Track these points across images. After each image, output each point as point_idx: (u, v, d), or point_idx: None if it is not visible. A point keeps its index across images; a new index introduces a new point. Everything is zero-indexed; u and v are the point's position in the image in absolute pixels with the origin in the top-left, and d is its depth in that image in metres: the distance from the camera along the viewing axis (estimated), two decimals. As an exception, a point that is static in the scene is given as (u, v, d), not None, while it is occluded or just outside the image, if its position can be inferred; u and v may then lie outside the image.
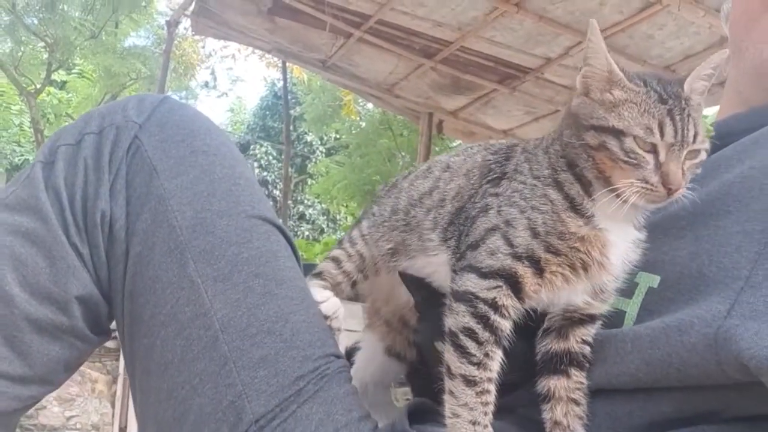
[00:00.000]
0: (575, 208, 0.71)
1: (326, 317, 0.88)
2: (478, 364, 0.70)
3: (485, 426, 0.69)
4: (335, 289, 0.97)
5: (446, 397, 0.72)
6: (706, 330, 0.60)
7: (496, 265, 0.72)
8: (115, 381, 3.87)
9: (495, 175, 0.78)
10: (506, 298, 0.71)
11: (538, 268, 0.71)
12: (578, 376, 0.73)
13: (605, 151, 0.68)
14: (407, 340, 1.00)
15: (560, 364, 0.74)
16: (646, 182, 0.67)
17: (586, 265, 0.71)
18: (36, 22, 9.21)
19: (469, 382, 0.70)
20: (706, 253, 0.66)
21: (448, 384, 0.72)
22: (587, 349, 0.74)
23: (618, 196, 0.68)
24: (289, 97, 10.83)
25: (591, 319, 0.75)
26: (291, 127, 11.17)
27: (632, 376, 0.68)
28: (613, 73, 0.71)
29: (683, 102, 0.69)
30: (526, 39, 4.08)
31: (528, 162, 0.76)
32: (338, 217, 15.25)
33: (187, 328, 0.77)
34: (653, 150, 0.67)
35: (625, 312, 0.74)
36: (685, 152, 0.68)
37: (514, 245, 0.72)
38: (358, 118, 9.86)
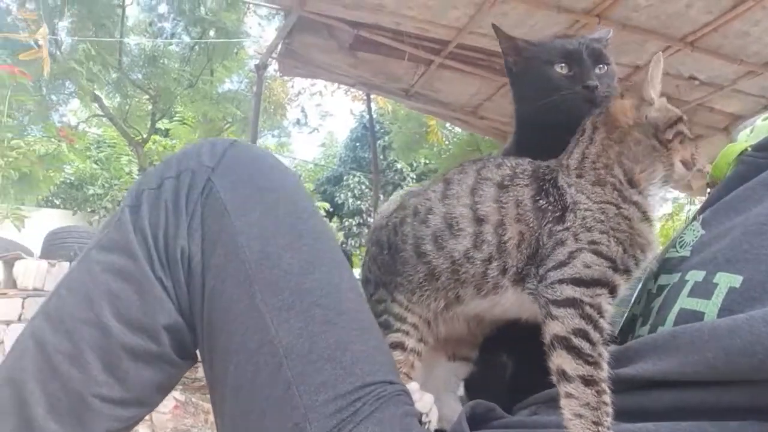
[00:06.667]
0: (645, 215, 0.84)
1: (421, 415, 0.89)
2: (595, 364, 0.73)
3: (608, 428, 0.69)
4: (410, 374, 0.97)
5: (564, 401, 0.72)
6: None
7: (595, 275, 0.79)
8: (223, 413, 3.99)
9: (557, 213, 0.85)
10: (607, 305, 0.78)
11: (630, 278, 0.81)
12: None
13: (679, 136, 0.86)
14: (470, 345, 1.03)
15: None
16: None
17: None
18: (140, 76, 9.92)
19: (588, 382, 0.72)
20: None
21: (565, 388, 0.73)
22: None
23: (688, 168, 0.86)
24: (376, 127, 11.01)
25: None
26: (380, 156, 11.35)
27: (708, 366, 0.65)
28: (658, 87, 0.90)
29: None
30: (611, 50, 3.95)
31: (582, 193, 0.85)
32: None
33: (255, 355, 0.81)
34: None
35: (704, 313, 0.72)
36: None
37: (612, 258, 0.80)
38: (446, 142, 9.87)
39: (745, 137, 0.90)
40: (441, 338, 1.01)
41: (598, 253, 0.79)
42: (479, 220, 0.88)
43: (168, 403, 3.96)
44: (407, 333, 0.97)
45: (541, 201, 0.86)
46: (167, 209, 0.89)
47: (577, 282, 0.78)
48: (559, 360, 0.75)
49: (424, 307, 0.95)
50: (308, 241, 0.88)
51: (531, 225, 0.85)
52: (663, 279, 0.86)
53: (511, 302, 0.87)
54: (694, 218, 0.88)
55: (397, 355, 0.95)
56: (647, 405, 0.71)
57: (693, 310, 0.73)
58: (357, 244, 14.32)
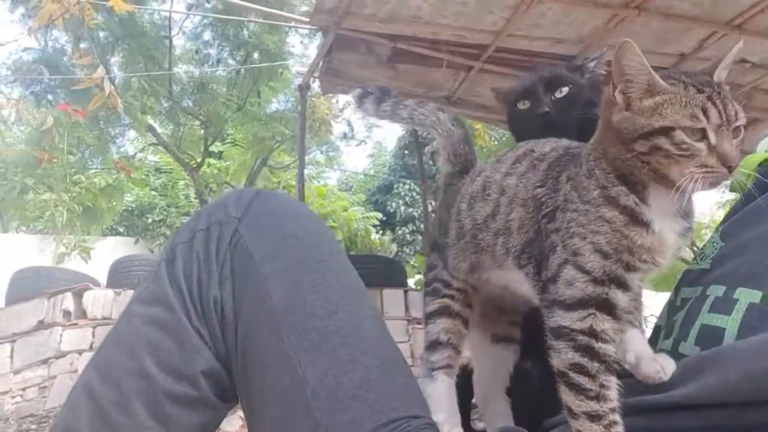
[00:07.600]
0: (636, 218, 0.73)
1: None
2: (597, 398, 0.70)
3: None
4: (460, 345, 1.00)
5: None
6: None
7: (577, 294, 0.74)
8: None
9: (548, 209, 0.81)
10: (602, 323, 0.73)
11: (624, 285, 0.74)
12: None
13: (658, 151, 0.71)
14: (508, 322, 1.04)
15: None
16: (706, 166, 0.70)
17: (651, 272, 0.76)
18: (191, 103, 10.21)
19: (593, 417, 0.70)
20: None
21: (574, 424, 0.72)
22: None
23: (678, 188, 0.70)
24: (423, 134, 10.99)
25: None
26: (429, 162, 11.30)
27: (731, 388, 0.64)
28: (652, 82, 0.74)
29: (717, 87, 0.73)
30: (653, 40, 3.84)
31: (575, 189, 0.79)
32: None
33: (286, 397, 0.84)
34: (703, 136, 0.70)
35: (724, 329, 0.71)
36: (732, 129, 0.72)
37: (589, 271, 0.74)
38: (495, 143, 9.77)
39: (765, 147, 0.87)
40: (483, 308, 1.03)
41: (577, 267, 0.75)
42: (502, 191, 0.89)
43: (235, 422, 4.04)
44: (452, 297, 1.00)
45: (538, 190, 0.84)
46: (199, 260, 0.93)
47: (563, 306, 0.75)
48: (564, 396, 0.73)
49: (460, 268, 0.97)
50: (332, 282, 0.91)
51: (530, 214, 0.84)
52: (685, 292, 0.85)
53: (522, 282, 0.86)
54: (716, 230, 0.87)
55: (444, 321, 0.99)
56: (673, 427, 0.70)
57: (714, 326, 0.73)
58: (412, 252, 14.31)
